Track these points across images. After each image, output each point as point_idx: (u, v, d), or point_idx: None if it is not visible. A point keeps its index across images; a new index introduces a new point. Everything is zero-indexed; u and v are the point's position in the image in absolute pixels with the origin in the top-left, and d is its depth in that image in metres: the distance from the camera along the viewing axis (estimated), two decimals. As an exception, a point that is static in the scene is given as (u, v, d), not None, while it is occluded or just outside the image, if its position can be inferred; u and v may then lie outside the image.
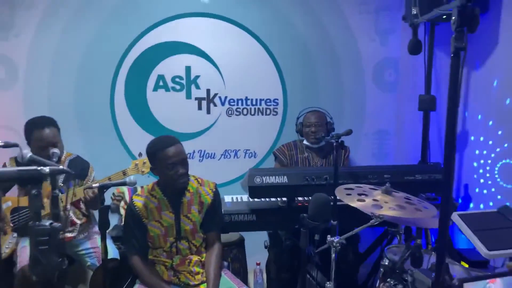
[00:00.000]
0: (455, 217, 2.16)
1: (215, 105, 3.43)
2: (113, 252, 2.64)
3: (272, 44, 3.42)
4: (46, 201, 2.19)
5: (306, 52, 3.46)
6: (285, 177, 2.45)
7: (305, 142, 3.12)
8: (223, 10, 3.33)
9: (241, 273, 2.93)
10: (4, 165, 2.59)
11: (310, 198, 2.04)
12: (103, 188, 2.05)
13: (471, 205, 3.32)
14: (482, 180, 3.15)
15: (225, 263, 2.60)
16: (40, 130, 2.46)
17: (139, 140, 3.20)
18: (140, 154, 2.42)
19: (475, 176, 3.27)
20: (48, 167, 1.30)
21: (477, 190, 3.24)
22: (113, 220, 3.25)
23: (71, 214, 2.61)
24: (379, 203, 1.66)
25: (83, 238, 2.69)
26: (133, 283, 2.35)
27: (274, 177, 2.44)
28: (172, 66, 3.33)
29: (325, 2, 3.41)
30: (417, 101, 2.96)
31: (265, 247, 2.93)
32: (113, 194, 3.25)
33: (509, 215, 2.19)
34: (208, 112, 3.43)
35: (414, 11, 1.87)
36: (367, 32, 3.48)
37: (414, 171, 2.57)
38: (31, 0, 3.11)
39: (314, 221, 2.06)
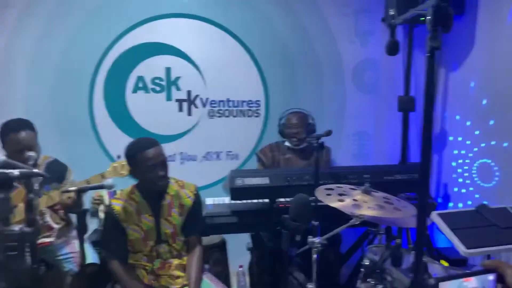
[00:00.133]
0: (434, 216, 2.18)
1: (196, 106, 3.40)
2: (92, 257, 2.60)
3: (253, 45, 3.41)
4: (22, 206, 2.14)
5: (287, 53, 3.47)
6: (267, 178, 2.45)
7: (287, 143, 3.12)
8: (204, 11, 3.31)
9: (223, 276, 2.91)
10: (-22, 169, 2.51)
11: (291, 199, 2.04)
12: (80, 191, 2.01)
13: (450, 204, 3.37)
14: (460, 180, 3.21)
15: (207, 266, 2.57)
16: (16, 133, 2.40)
17: (119, 142, 3.12)
18: (119, 157, 2.39)
19: (453, 175, 3.32)
20: (18, 170, 1.26)
21: (456, 189, 3.29)
22: (93, 224, 3.19)
23: (48, 218, 2.55)
24: (358, 203, 1.67)
25: (61, 243, 2.62)
26: (113, 288, 2.31)
27: (255, 178, 2.44)
28: (152, 68, 3.29)
29: (305, 3, 3.43)
30: (396, 102, 2.99)
31: (248, 249, 2.92)
32: (92, 197, 3.19)
33: (487, 213, 2.22)
34: (189, 113, 3.40)
35: (391, 12, 1.89)
36: (347, 34, 3.50)
37: (394, 171, 2.60)
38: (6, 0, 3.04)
39: (296, 222, 2.06)
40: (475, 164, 3.02)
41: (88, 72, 3.23)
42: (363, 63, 3.55)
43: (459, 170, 3.24)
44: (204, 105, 3.41)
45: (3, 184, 1.13)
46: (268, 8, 3.38)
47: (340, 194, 1.77)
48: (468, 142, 3.12)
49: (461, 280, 0.80)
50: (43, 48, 3.15)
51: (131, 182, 2.28)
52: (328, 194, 1.78)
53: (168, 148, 3.29)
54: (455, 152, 3.29)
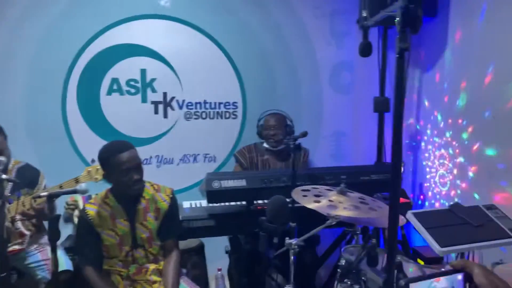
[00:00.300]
0: (409, 215, 2.21)
1: (172, 109, 3.36)
2: (66, 263, 2.54)
3: (230, 47, 3.40)
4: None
5: (264, 55, 3.46)
6: (243, 180, 2.44)
7: (265, 144, 3.12)
8: (179, 12, 3.28)
9: (201, 280, 2.88)
10: None
11: (268, 201, 2.03)
12: (52, 197, 1.96)
13: (426, 203, 3.43)
14: (436, 179, 3.26)
15: (184, 271, 2.54)
16: (-17, 137, 2.33)
17: (93, 146, 3.04)
18: (93, 161, 2.33)
19: (427, 176, 3.38)
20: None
21: (431, 188, 3.35)
22: (67, 230, 3.13)
23: (20, 225, 2.48)
24: (334, 204, 1.67)
25: (33, 250, 2.56)
26: (87, 295, 2.25)
27: (232, 181, 2.42)
28: (126, 69, 3.23)
29: (281, 5, 3.43)
30: (372, 103, 3.03)
31: (226, 252, 2.90)
32: (66, 203, 3.12)
33: (460, 212, 2.26)
34: (165, 116, 3.35)
35: (364, 14, 1.91)
36: (323, 36, 3.52)
37: (370, 171, 2.62)
38: (-26, 0, 2.95)
39: (273, 224, 2.05)
40: (449, 164, 3.08)
41: (61, 74, 3.15)
42: (339, 64, 3.57)
43: (433, 170, 3.30)
44: (180, 107, 3.37)
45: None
46: (245, 9, 3.37)
47: (316, 195, 1.77)
48: (442, 142, 3.18)
49: (431, 280, 0.80)
50: (14, 49, 3.06)
51: (107, 186, 2.24)
52: (304, 195, 1.78)
53: (144, 151, 3.28)
54: (430, 151, 3.35)
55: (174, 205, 2.30)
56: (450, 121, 3.05)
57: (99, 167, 2.24)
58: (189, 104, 3.39)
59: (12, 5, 3.03)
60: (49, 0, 3.08)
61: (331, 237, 3.01)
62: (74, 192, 2.02)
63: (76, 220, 3.09)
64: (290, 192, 1.96)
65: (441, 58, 3.15)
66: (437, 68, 3.22)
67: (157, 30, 3.26)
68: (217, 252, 3.01)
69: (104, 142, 2.23)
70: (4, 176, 1.90)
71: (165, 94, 3.33)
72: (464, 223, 2.20)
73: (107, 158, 2.10)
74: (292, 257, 1.87)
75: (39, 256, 2.54)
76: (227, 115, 3.48)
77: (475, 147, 2.77)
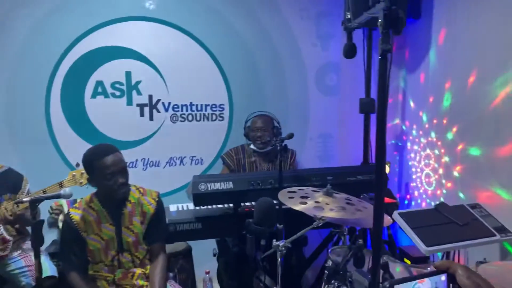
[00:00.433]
0: (395, 215, 2.23)
1: (158, 111, 3.33)
2: (50, 269, 2.49)
3: (216, 49, 3.38)
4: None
5: (250, 56, 3.46)
6: (230, 183, 2.42)
7: (252, 146, 3.11)
8: (165, 14, 3.26)
9: (188, 284, 2.86)
10: None
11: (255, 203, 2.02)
12: (35, 202, 1.92)
13: (413, 203, 3.46)
14: (423, 179, 3.29)
15: (171, 274, 2.52)
16: (-36, 142, 2.28)
17: (78, 149, 3.00)
18: (77, 165, 2.31)
19: (413, 176, 3.41)
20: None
21: (418, 188, 3.38)
22: (52, 235, 3.07)
23: (2, 230, 2.43)
24: (320, 205, 1.67)
25: (16, 256, 2.51)
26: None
27: (219, 183, 2.41)
28: (111, 72, 3.19)
29: (267, 7, 3.43)
30: (358, 104, 3.04)
31: (214, 255, 2.88)
32: (51, 207, 3.07)
33: (445, 211, 2.29)
34: (151, 118, 3.32)
35: (347, 15, 1.92)
36: (309, 37, 3.53)
37: (356, 172, 2.63)
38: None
39: (260, 226, 2.05)
40: (435, 164, 3.11)
41: (44, 76, 3.10)
42: (325, 66, 3.59)
43: (418, 170, 3.33)
44: (166, 109, 3.35)
45: None
46: (231, 11, 3.36)
47: (303, 197, 1.77)
48: (428, 142, 3.21)
49: (415, 282, 0.80)
50: (-4, 51, 3.01)
51: (92, 191, 2.21)
52: (291, 197, 1.77)
53: (130, 154, 3.25)
54: (416, 151, 3.38)
55: (160, 208, 2.27)
56: (435, 121, 3.09)
57: (83, 171, 2.21)
58: (175, 106, 3.36)
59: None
60: (33, 1, 3.03)
61: (319, 238, 3.01)
62: (58, 196, 1.99)
63: (61, 225, 3.04)
64: (277, 194, 1.95)
65: (425, 59, 3.18)
66: (422, 69, 3.25)
67: (142, 32, 3.23)
68: (204, 255, 2.99)
69: (89, 146, 2.20)
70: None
71: (150, 96, 3.30)
72: (450, 222, 2.22)
73: (91, 161, 2.07)
74: (279, 259, 1.86)
75: (23, 262, 2.49)
76: (214, 117, 3.47)
77: (459, 147, 2.81)
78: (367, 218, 1.66)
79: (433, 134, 3.11)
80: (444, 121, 2.96)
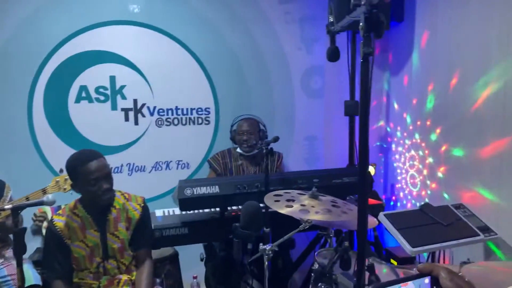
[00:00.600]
0: (381, 217, 2.25)
1: (143, 115, 3.30)
2: (34, 277, 2.45)
3: (201, 52, 3.37)
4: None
5: (235, 60, 3.46)
6: (216, 187, 2.41)
7: (238, 150, 3.11)
8: (149, 18, 3.24)
9: (176, 289, 2.84)
10: None
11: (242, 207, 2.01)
12: (17, 209, 1.89)
13: (398, 204, 3.49)
14: (408, 180, 3.32)
15: (158, 280, 2.50)
16: None
17: (61, 155, 2.95)
18: (61, 171, 2.27)
19: (399, 177, 3.44)
20: None
21: (403, 189, 3.41)
22: (35, 242, 3.02)
23: (-16, 239, 2.39)
24: (306, 208, 1.67)
25: (-2, 265, 2.46)
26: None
27: (205, 187, 2.39)
28: (95, 76, 3.16)
29: (252, 11, 3.43)
30: (343, 106, 3.06)
31: (201, 260, 2.86)
32: (34, 214, 3.01)
33: (430, 212, 2.31)
34: (136, 123, 3.29)
35: (330, 19, 1.93)
36: (294, 41, 3.55)
37: (342, 174, 2.64)
38: None
39: (246, 230, 2.04)
40: (420, 166, 3.14)
41: (27, 81, 3.05)
42: (310, 69, 3.60)
43: (403, 171, 3.37)
44: (151, 113, 3.32)
45: None
46: (216, 15, 3.36)
47: (289, 200, 1.77)
48: (412, 144, 3.24)
49: (398, 285, 0.81)
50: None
51: (76, 197, 2.18)
52: (277, 200, 1.77)
53: (115, 159, 3.22)
54: (401, 154, 3.41)
55: (145, 214, 2.26)
56: (419, 123, 3.12)
57: (67, 177, 2.18)
58: (161, 110, 3.34)
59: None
60: (15, 4, 2.98)
61: (306, 240, 3.02)
62: (41, 203, 1.96)
63: (45, 232, 2.99)
64: (264, 197, 1.95)
65: (408, 61, 3.22)
66: (405, 71, 3.29)
67: (126, 36, 3.21)
68: (192, 260, 2.96)
69: (73, 151, 2.17)
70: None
71: (135, 101, 3.27)
72: (435, 223, 2.25)
73: (75, 167, 2.04)
74: (266, 263, 1.86)
75: (5, 271, 2.44)
76: (200, 121, 3.45)
77: (443, 148, 2.84)
78: (353, 220, 1.67)
79: (417, 136, 3.14)
80: (428, 123, 3.00)
